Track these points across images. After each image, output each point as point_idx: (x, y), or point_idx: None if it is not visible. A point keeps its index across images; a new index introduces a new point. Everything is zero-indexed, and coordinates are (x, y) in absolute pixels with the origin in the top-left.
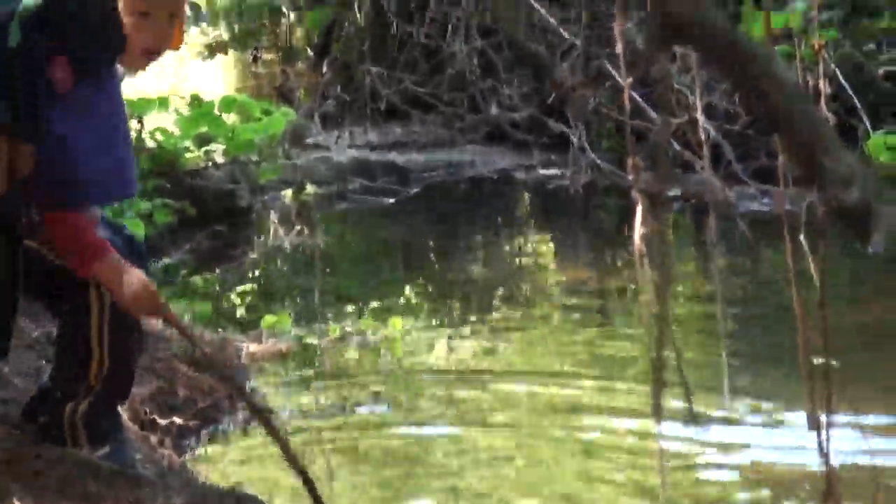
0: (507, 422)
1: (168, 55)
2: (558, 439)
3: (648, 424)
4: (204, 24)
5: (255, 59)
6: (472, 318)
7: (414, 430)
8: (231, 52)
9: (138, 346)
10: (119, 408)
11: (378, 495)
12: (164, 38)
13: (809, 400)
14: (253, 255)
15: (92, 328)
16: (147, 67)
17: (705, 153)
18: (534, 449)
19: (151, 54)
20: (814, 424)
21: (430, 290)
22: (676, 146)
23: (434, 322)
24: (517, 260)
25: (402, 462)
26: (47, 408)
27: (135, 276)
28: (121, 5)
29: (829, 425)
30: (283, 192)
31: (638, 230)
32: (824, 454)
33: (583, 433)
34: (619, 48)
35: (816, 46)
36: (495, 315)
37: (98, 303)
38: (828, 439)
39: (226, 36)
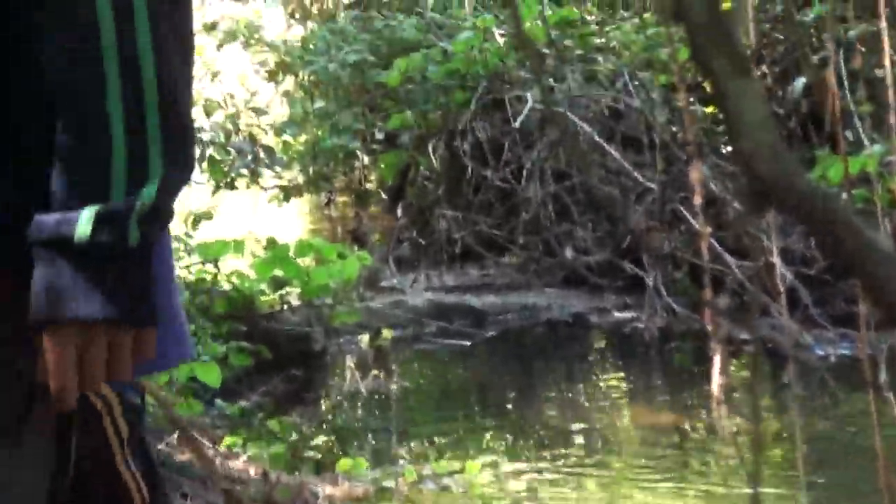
0: None
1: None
2: None
3: None
4: (278, 168)
5: (329, 202)
6: (548, 462)
7: None
8: (305, 195)
9: None
10: None
11: None
12: None
13: None
14: (328, 400)
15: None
16: None
17: (783, 297)
18: None
19: None
20: None
21: (506, 432)
22: (753, 290)
23: (510, 465)
24: (592, 403)
25: None
26: None
27: None
28: None
29: None
30: (359, 337)
31: (716, 380)
32: None
33: None
34: (695, 196)
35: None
36: (571, 458)
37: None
38: None
39: (300, 179)
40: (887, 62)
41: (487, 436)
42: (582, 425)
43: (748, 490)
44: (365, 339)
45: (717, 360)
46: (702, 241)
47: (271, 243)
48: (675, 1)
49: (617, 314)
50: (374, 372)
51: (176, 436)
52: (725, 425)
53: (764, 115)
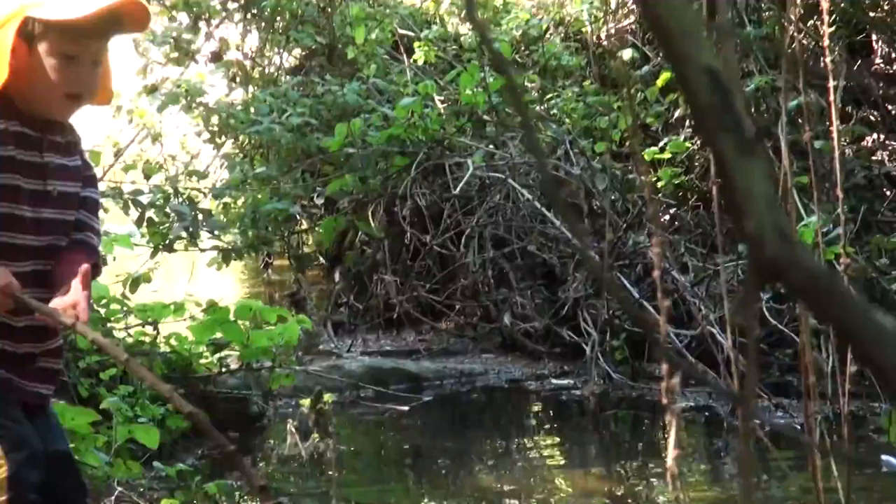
0: None
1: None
2: None
3: None
4: (217, 231)
5: (267, 265)
6: None
7: None
8: (244, 259)
9: None
10: None
11: None
12: (88, 83)
13: None
14: (267, 463)
15: None
16: (70, 115)
17: (722, 366)
18: None
19: (75, 100)
20: None
21: (441, 496)
22: (691, 359)
23: None
24: (527, 469)
25: None
26: None
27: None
28: (41, 46)
29: None
30: (300, 401)
31: (671, 451)
32: None
33: None
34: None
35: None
36: None
37: None
38: None
39: (239, 242)
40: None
41: (423, 498)
42: (515, 491)
43: None
44: (306, 402)
45: (672, 433)
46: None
47: (211, 305)
48: (681, 79)
49: (554, 380)
50: (315, 436)
51: (114, 498)
52: (681, 497)
53: (770, 195)
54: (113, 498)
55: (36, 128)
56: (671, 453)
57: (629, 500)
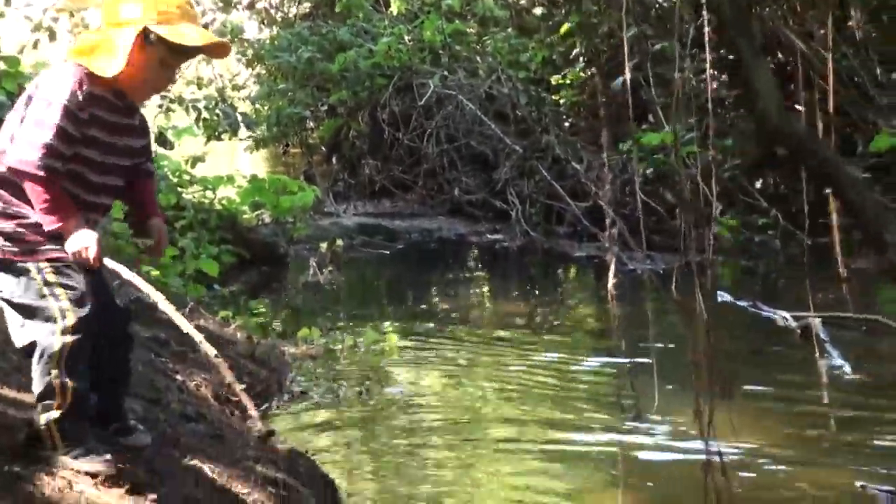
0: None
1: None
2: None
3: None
4: (251, 126)
5: (285, 152)
6: (434, 330)
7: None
8: (269, 147)
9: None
10: (86, 422)
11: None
12: (172, 82)
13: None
14: (292, 288)
15: (53, 364)
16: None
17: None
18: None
19: (156, 93)
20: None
21: (410, 313)
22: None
23: (412, 333)
24: (468, 295)
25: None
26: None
27: (85, 236)
28: (150, 52)
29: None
30: (319, 244)
31: (611, 279)
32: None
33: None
34: (603, 166)
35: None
36: (448, 328)
37: (60, 343)
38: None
39: (266, 135)
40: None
41: (398, 315)
42: (458, 309)
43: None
44: (324, 245)
45: (612, 266)
46: (601, 189)
47: (254, 178)
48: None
49: (489, 236)
50: (329, 268)
51: (188, 309)
52: (613, 313)
53: (772, 83)
54: (187, 309)
55: (120, 99)
56: (611, 280)
57: (538, 318)
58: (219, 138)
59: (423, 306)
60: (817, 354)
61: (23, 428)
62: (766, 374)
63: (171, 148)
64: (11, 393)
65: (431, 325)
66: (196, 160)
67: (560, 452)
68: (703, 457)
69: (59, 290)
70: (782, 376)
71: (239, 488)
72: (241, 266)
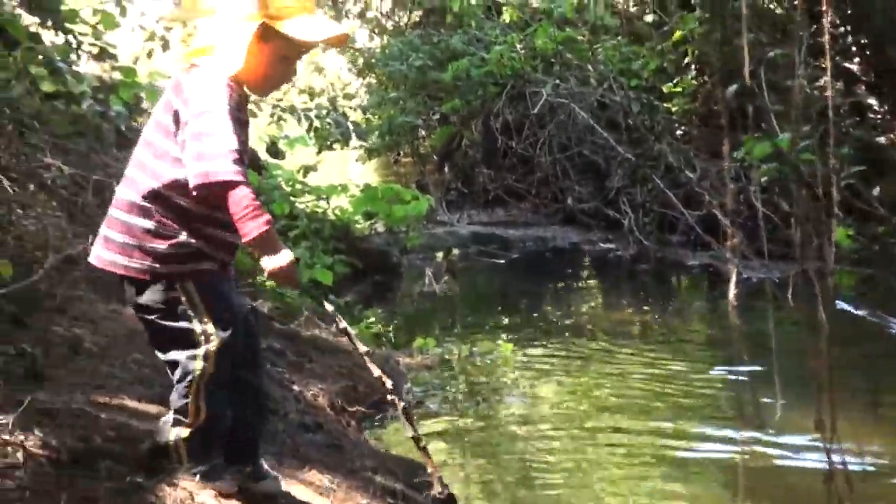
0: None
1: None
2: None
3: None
4: (363, 136)
5: (397, 161)
6: (548, 340)
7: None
8: (381, 156)
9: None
10: (216, 442)
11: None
12: (293, 75)
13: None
14: (406, 298)
15: (192, 387)
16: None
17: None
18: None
19: (278, 87)
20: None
21: (524, 321)
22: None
23: (526, 342)
24: (581, 304)
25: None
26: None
27: (283, 254)
28: (269, 48)
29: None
30: (434, 254)
31: (732, 289)
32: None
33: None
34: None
35: None
36: (562, 338)
37: (202, 367)
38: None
39: (378, 144)
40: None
41: (512, 323)
42: (573, 318)
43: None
44: (440, 254)
45: (733, 277)
46: (727, 196)
47: (367, 187)
48: None
49: (602, 245)
50: (445, 277)
51: (303, 319)
52: (734, 323)
53: None
54: (302, 318)
55: (244, 96)
56: (732, 291)
57: (655, 328)
58: (330, 148)
59: (538, 315)
60: None
61: (145, 439)
62: (887, 384)
63: (283, 158)
64: (133, 403)
65: (546, 334)
66: (308, 169)
67: (680, 461)
68: (825, 466)
69: (204, 313)
70: None
71: (358, 499)
72: (354, 276)
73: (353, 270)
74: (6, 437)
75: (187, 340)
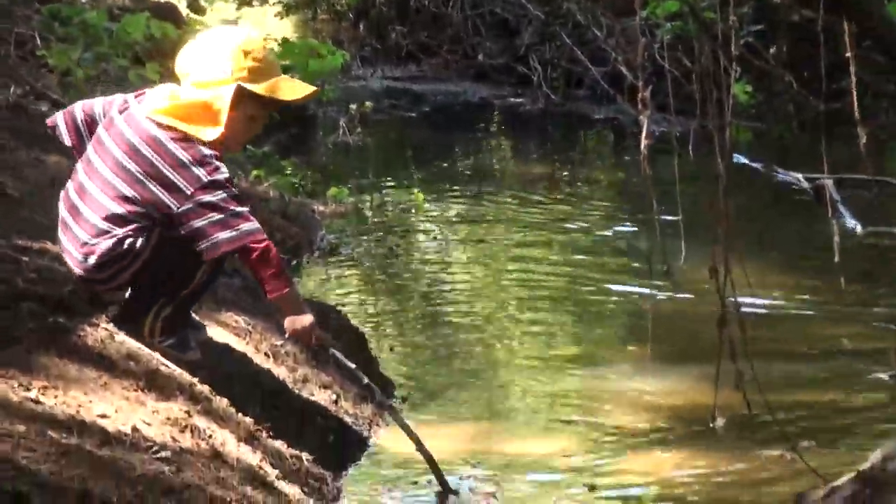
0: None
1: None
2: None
3: None
4: None
5: (314, 18)
6: (459, 190)
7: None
8: (298, 13)
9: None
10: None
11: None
12: (259, 130)
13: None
14: (321, 148)
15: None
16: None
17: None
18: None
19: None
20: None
21: (436, 173)
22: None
23: (437, 192)
24: (489, 155)
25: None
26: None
27: (308, 311)
28: (241, 108)
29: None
30: (349, 106)
31: (644, 140)
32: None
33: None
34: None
35: None
36: (472, 188)
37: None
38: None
39: (296, 1)
40: None
41: (423, 174)
42: (480, 169)
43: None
44: (353, 107)
45: (644, 129)
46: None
47: (285, 41)
48: None
49: (511, 99)
50: (358, 129)
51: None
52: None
53: None
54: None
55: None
56: (643, 141)
57: (559, 174)
58: (249, 4)
59: (448, 166)
60: (830, 214)
61: (67, 282)
62: (780, 234)
63: (204, 14)
64: (55, 248)
65: (456, 184)
66: (228, 25)
67: (588, 303)
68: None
69: None
70: (795, 235)
71: (273, 340)
72: (271, 127)
73: (270, 121)
74: None
75: None
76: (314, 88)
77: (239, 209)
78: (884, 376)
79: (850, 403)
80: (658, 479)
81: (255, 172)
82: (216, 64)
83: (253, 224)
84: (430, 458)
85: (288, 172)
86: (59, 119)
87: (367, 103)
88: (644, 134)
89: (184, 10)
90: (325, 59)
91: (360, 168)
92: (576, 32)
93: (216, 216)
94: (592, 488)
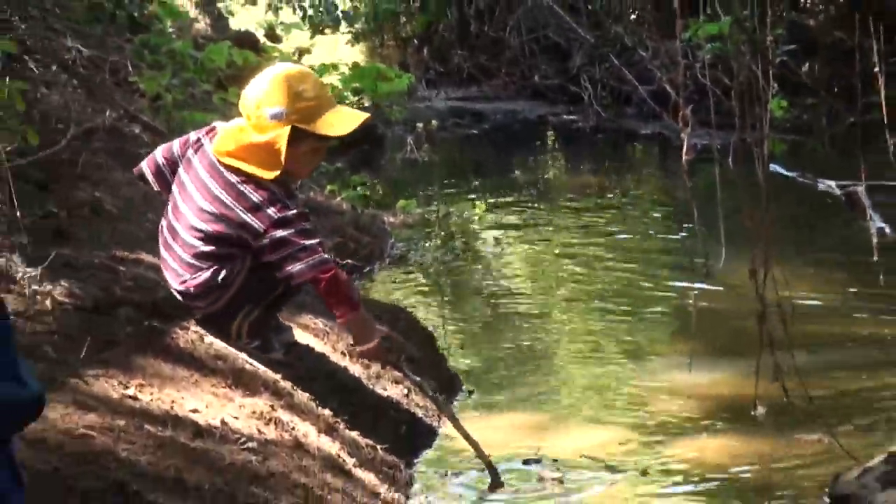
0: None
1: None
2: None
3: None
4: (352, 21)
5: (382, 44)
6: (517, 200)
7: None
8: (367, 40)
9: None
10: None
11: None
12: (322, 159)
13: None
14: (390, 164)
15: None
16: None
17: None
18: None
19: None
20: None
21: (496, 185)
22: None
23: (498, 203)
24: (548, 168)
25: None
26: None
27: (375, 333)
28: (301, 145)
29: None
30: (416, 125)
31: (685, 153)
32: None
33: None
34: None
35: None
36: (530, 198)
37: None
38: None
39: (365, 29)
40: None
41: (486, 187)
42: (540, 180)
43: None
44: (419, 126)
45: (685, 142)
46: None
47: (355, 66)
48: None
49: (565, 116)
50: (425, 145)
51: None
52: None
53: None
54: (298, 183)
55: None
56: (684, 153)
57: (609, 184)
58: (322, 32)
59: (508, 179)
60: (867, 218)
61: (160, 289)
62: (817, 237)
63: (280, 41)
64: (149, 258)
65: (516, 196)
66: (303, 52)
67: (636, 306)
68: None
69: None
70: (831, 238)
71: (346, 338)
72: (343, 145)
73: (343, 141)
74: (36, 287)
75: None
76: (365, 116)
77: (308, 243)
78: None
79: (884, 390)
80: (703, 463)
81: (329, 187)
82: (271, 108)
83: (320, 256)
84: (480, 452)
85: (360, 187)
86: (144, 167)
87: (433, 122)
88: (685, 149)
89: (262, 37)
90: (393, 82)
91: (427, 181)
92: (624, 54)
93: (287, 251)
94: (644, 473)
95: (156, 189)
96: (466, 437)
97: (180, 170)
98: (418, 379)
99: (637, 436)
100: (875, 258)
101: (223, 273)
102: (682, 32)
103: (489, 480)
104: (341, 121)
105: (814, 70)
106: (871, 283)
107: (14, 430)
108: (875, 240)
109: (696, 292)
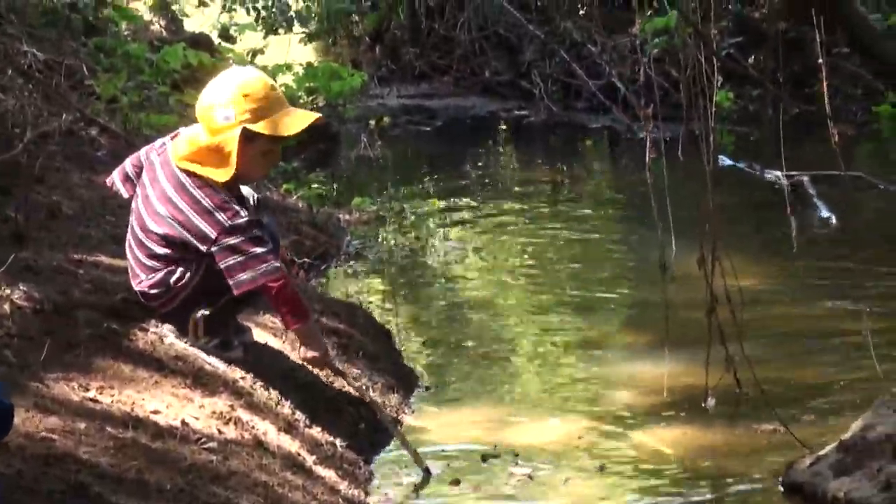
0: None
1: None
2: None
3: None
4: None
5: (334, 43)
6: (471, 195)
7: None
8: (320, 39)
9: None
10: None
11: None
12: (278, 160)
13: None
14: (345, 162)
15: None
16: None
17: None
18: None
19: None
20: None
21: (449, 181)
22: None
23: (452, 198)
24: (496, 162)
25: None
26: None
27: (321, 346)
28: (253, 146)
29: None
30: (369, 122)
31: (648, 153)
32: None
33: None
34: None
35: None
36: (484, 193)
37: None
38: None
39: (318, 29)
40: None
41: (439, 183)
42: (489, 174)
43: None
44: (372, 123)
45: (648, 141)
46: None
47: (308, 66)
48: None
49: (516, 112)
50: (378, 142)
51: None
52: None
53: None
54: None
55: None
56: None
57: (562, 178)
58: (276, 33)
59: (461, 174)
60: (789, 211)
61: (119, 291)
62: (763, 227)
63: (234, 42)
64: (107, 260)
65: (469, 191)
66: (256, 52)
67: (587, 300)
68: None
69: None
70: (776, 227)
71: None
72: (298, 144)
73: (299, 140)
74: None
75: None
76: (316, 116)
77: (258, 251)
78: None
79: (834, 379)
80: (659, 455)
81: (285, 186)
82: (222, 110)
83: (270, 265)
84: (412, 451)
85: (315, 185)
86: (115, 177)
87: (386, 119)
88: (647, 147)
89: (216, 39)
90: (346, 81)
91: (381, 179)
92: (573, 50)
93: (237, 258)
94: (602, 468)
95: (126, 196)
96: (404, 442)
97: (143, 173)
98: (358, 384)
99: (594, 427)
100: (794, 249)
101: (176, 275)
102: (632, 27)
103: (448, 477)
104: (292, 121)
105: (759, 61)
106: (819, 272)
107: None
108: (794, 233)
109: (649, 284)
